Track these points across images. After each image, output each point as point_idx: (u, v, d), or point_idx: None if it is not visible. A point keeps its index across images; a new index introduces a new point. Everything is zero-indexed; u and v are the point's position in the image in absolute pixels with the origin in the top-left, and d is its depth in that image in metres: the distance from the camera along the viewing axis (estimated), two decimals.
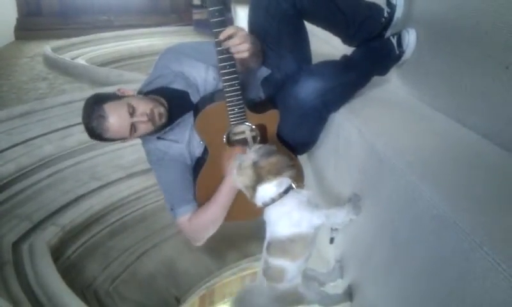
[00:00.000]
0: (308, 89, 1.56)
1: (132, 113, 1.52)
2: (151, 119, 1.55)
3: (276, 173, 1.31)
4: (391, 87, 1.80)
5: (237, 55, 1.42)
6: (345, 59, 1.69)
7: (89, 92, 3.43)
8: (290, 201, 1.33)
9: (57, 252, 2.56)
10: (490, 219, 0.89)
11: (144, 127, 1.57)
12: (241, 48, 1.40)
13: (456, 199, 0.97)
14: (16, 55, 5.24)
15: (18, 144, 2.83)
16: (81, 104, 3.29)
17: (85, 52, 5.14)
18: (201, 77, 1.68)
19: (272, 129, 1.70)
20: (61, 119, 3.13)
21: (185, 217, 1.71)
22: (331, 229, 1.73)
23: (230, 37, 1.37)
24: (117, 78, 3.85)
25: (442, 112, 1.48)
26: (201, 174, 1.74)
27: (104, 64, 4.83)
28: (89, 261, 2.87)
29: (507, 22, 1.17)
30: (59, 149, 2.96)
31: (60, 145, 2.97)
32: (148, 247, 3.26)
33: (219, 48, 1.42)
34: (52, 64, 4.59)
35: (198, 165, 1.79)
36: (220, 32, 1.36)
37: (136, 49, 5.46)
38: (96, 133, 1.52)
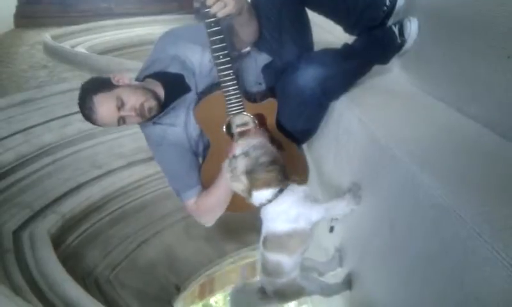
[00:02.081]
0: (307, 76, 1.55)
1: (120, 107, 1.52)
2: (140, 113, 1.56)
3: (272, 185, 1.31)
4: (392, 76, 1.79)
5: (219, 14, 1.33)
6: (347, 47, 1.68)
7: None
8: (286, 200, 1.33)
9: (57, 240, 2.56)
10: (490, 208, 0.88)
11: (133, 120, 1.59)
12: (216, 8, 1.31)
13: (455, 188, 0.97)
14: (15, 43, 5.22)
15: (18, 133, 2.82)
16: None
17: (85, 40, 5.12)
18: (197, 59, 1.68)
19: (271, 118, 1.70)
20: (61, 107, 3.12)
21: (191, 201, 1.75)
22: (331, 218, 1.74)
23: None
24: (117, 66, 3.83)
25: (443, 102, 1.47)
26: (205, 164, 1.76)
27: (104, 52, 4.80)
28: (89, 249, 2.88)
29: (509, 11, 1.16)
30: (59, 138, 2.95)
31: (60, 133, 2.96)
32: (149, 235, 3.27)
33: (209, 31, 1.39)
34: (52, 52, 4.57)
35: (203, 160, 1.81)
36: None
37: (136, 37, 5.44)
38: (88, 120, 1.56)
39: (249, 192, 1.32)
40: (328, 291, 1.62)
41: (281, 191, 1.32)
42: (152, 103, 1.58)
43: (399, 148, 1.19)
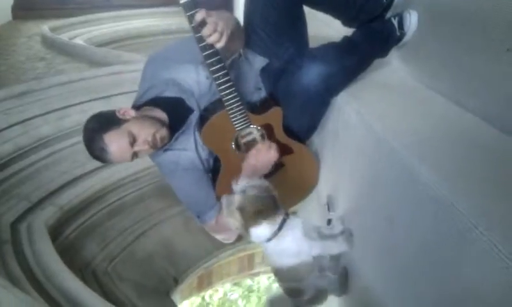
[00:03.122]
0: (311, 74, 1.55)
1: (132, 142, 1.50)
2: (153, 145, 1.55)
3: (262, 216, 1.34)
4: (391, 69, 1.79)
5: (216, 45, 1.33)
6: (347, 41, 1.68)
7: (88, 72, 3.40)
8: (286, 238, 1.38)
9: (55, 232, 2.55)
10: (487, 201, 0.89)
11: (145, 152, 1.58)
12: (213, 39, 1.30)
13: (453, 182, 0.97)
14: (13, 35, 5.18)
15: (16, 124, 2.79)
16: (79, 84, 3.27)
17: (83, 32, 5.07)
18: (193, 78, 1.65)
19: (278, 126, 1.70)
20: (59, 99, 3.09)
21: (213, 221, 1.76)
22: (328, 211, 1.74)
23: (203, 23, 1.27)
24: (116, 58, 3.81)
25: (442, 95, 1.47)
26: (219, 183, 1.76)
27: (102, 44, 4.77)
28: (87, 241, 2.86)
29: (509, 4, 1.16)
30: (57, 130, 2.93)
31: (58, 125, 2.94)
32: (147, 227, 3.25)
33: (205, 54, 1.38)
34: (50, 44, 4.54)
35: (214, 172, 1.81)
36: (192, 15, 1.26)
37: (134, 30, 5.40)
38: (98, 159, 1.54)
39: (245, 228, 1.36)
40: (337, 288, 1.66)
41: (279, 229, 1.37)
42: (164, 132, 1.58)
43: (397, 141, 1.19)
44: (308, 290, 1.55)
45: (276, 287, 1.72)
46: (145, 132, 1.53)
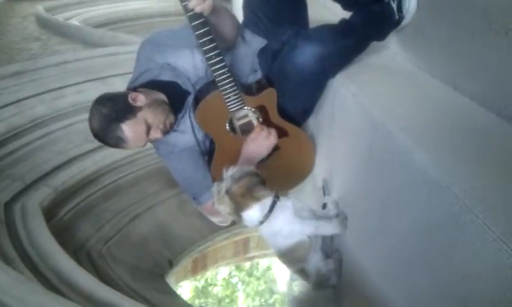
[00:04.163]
0: (305, 54, 1.54)
1: (148, 131, 1.54)
2: (164, 131, 1.60)
3: (249, 194, 1.34)
4: (389, 53, 1.78)
5: (197, 9, 1.31)
6: (344, 23, 1.66)
7: (83, 53, 3.36)
8: (277, 220, 1.39)
9: (49, 213, 2.55)
10: (482, 184, 0.89)
11: (156, 138, 1.62)
12: (194, 2, 1.29)
13: (449, 165, 0.97)
14: (8, 15, 5.12)
15: (10, 104, 2.78)
16: (75, 65, 3.23)
17: (79, 12, 5.03)
18: (189, 63, 1.65)
19: (272, 108, 1.69)
20: (54, 79, 3.07)
21: (210, 203, 1.74)
22: (324, 194, 1.74)
23: None
24: (112, 40, 3.78)
25: (439, 79, 1.47)
26: (213, 165, 1.76)
27: (98, 25, 4.72)
28: (82, 222, 2.86)
29: None
30: (52, 110, 2.91)
31: (53, 106, 2.92)
32: (142, 210, 3.26)
33: (197, 33, 1.37)
34: (45, 24, 4.49)
35: (210, 155, 1.82)
36: None
37: (131, 11, 5.36)
38: (109, 145, 1.55)
39: (237, 213, 1.36)
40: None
41: (270, 211, 1.37)
42: (172, 118, 1.62)
43: (393, 124, 1.19)
44: (312, 273, 1.55)
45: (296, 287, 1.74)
46: (158, 120, 1.56)
